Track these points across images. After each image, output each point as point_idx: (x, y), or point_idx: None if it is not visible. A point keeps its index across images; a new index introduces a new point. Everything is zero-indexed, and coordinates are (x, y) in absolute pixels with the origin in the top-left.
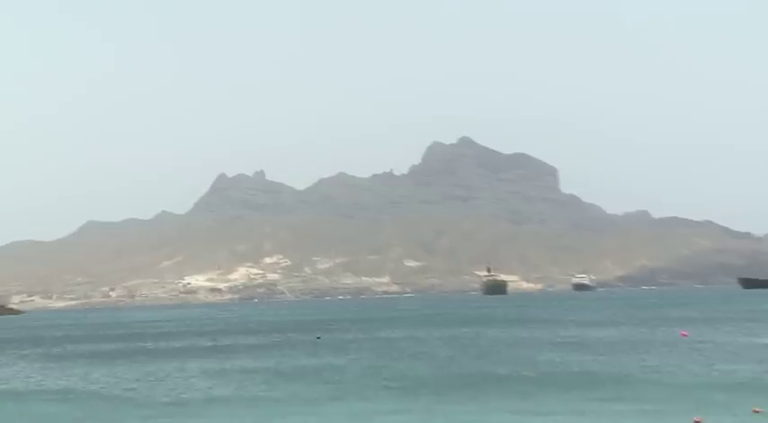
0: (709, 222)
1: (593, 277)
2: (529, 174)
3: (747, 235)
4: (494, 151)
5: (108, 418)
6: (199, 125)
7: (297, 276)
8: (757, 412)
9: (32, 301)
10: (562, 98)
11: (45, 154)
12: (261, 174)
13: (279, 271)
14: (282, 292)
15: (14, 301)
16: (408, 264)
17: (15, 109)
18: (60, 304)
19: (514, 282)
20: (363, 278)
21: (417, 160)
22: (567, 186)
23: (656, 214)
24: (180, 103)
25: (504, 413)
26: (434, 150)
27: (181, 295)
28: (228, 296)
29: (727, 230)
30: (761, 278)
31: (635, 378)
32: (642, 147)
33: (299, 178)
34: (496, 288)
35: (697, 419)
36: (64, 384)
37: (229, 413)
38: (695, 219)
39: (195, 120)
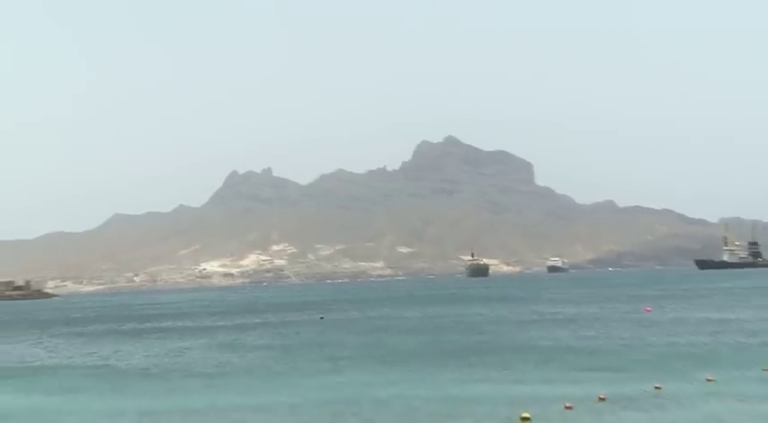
0: (668, 210)
1: (566, 260)
2: (507, 169)
3: (702, 221)
4: (476, 148)
5: (133, 389)
6: (212, 125)
7: (301, 262)
8: (710, 381)
9: (65, 285)
10: (538, 98)
11: (74, 152)
12: (268, 171)
13: (285, 257)
14: (288, 277)
15: (49, 286)
16: (400, 250)
17: (44, 108)
18: (90, 288)
19: (495, 265)
20: (360, 263)
21: (408, 157)
22: (541, 179)
23: (620, 204)
24: (191, 105)
25: (487, 382)
26: (423, 148)
27: (197, 280)
28: (240, 280)
29: (683, 217)
30: (714, 260)
31: (603, 349)
32: (609, 141)
33: (303, 174)
34: (479, 271)
35: (657, 385)
36: (94, 360)
37: (242, 384)
38: (656, 207)
39: (209, 120)
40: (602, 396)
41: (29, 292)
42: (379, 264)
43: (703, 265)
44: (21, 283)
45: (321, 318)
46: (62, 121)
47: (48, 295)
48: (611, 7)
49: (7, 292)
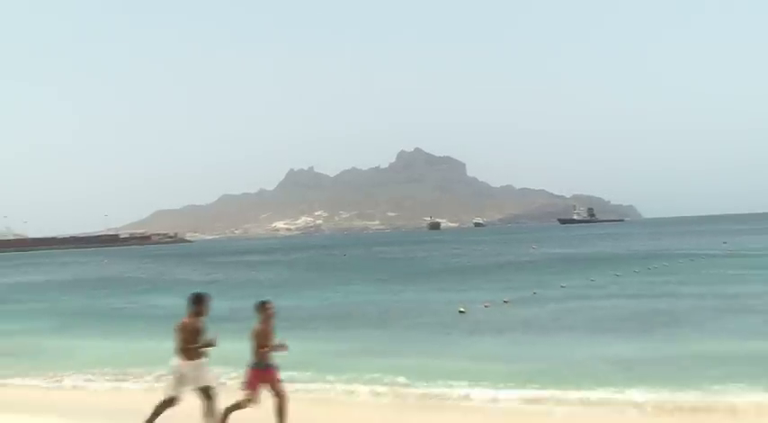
0: (543, 190)
1: (484, 220)
2: (450, 167)
3: (561, 196)
4: (431, 154)
5: (234, 294)
6: (269, 132)
7: (331, 222)
8: (563, 287)
9: (196, 235)
10: (469, 116)
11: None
12: (312, 168)
13: (321, 219)
14: (323, 230)
15: (187, 236)
16: (389, 214)
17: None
18: (210, 237)
19: (444, 223)
20: (365, 222)
21: (393, 160)
22: (470, 172)
23: (516, 186)
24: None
25: (437, 291)
26: (402, 155)
27: (271, 232)
28: (296, 232)
29: (551, 194)
30: (568, 218)
31: (504, 270)
32: (510, 141)
33: (331, 169)
34: (435, 226)
35: (534, 291)
36: (211, 277)
37: (298, 288)
38: (535, 188)
39: (266, 126)
40: (506, 299)
41: (177, 239)
42: (376, 222)
43: (563, 221)
44: (171, 234)
45: (344, 255)
46: (112, 128)
47: (188, 241)
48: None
49: (166, 240)
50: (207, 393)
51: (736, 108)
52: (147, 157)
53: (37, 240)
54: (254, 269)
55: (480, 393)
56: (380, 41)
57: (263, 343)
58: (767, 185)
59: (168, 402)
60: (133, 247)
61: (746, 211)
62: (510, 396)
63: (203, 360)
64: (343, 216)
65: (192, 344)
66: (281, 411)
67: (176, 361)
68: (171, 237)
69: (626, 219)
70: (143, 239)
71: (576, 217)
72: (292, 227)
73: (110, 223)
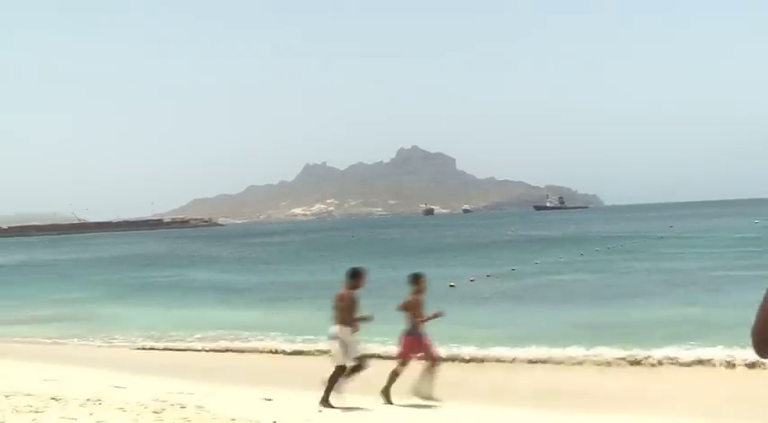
0: (521, 181)
1: (471, 207)
2: (443, 162)
3: (537, 187)
4: (426, 151)
5: (260, 268)
6: (285, 127)
7: (341, 209)
8: (537, 264)
9: (227, 218)
10: (459, 113)
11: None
12: (324, 162)
13: (332, 206)
14: (335, 216)
15: (220, 220)
16: (390, 202)
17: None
18: (239, 221)
19: (437, 209)
20: (370, 208)
21: (393, 155)
22: (459, 166)
23: (498, 178)
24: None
25: (430, 266)
26: (401, 152)
27: (290, 217)
28: (311, 217)
29: (528, 185)
30: (543, 205)
31: (490, 247)
32: (492, 135)
33: (342, 163)
34: (429, 212)
35: (513, 268)
36: (238, 255)
37: (299, 261)
38: (514, 179)
39: (283, 123)
40: (488, 274)
41: (211, 223)
42: (379, 209)
43: (538, 208)
44: (206, 218)
45: (352, 236)
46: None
47: (221, 225)
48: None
49: (202, 223)
50: (360, 365)
51: (693, 100)
52: (185, 151)
53: (96, 224)
54: (276, 247)
55: (468, 350)
56: (381, 53)
57: (417, 313)
58: (718, 174)
59: (339, 372)
60: (174, 229)
61: (697, 199)
62: (495, 353)
63: (358, 332)
64: (351, 203)
65: (352, 315)
66: (428, 375)
67: (338, 330)
68: (206, 221)
69: (590, 206)
70: (183, 223)
71: (548, 204)
72: (308, 213)
73: (155, 209)
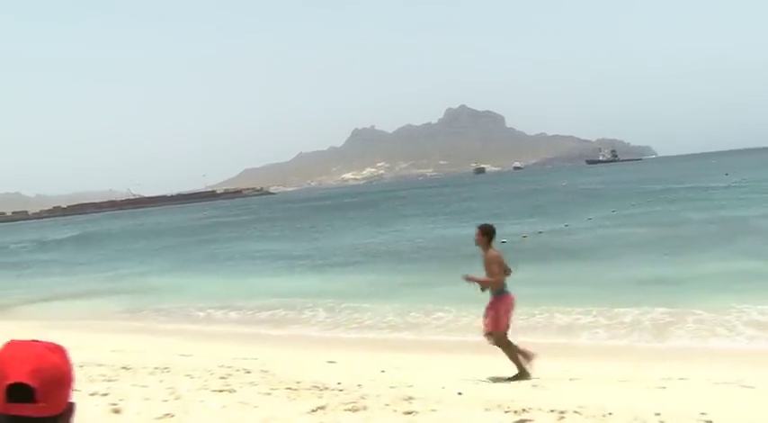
0: (572, 136)
1: (522, 164)
2: (491, 119)
3: (588, 141)
4: (474, 110)
5: (314, 236)
6: (336, 93)
7: (391, 172)
8: (590, 219)
9: (278, 187)
10: (508, 73)
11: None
12: (373, 126)
13: (383, 170)
14: (385, 179)
15: (271, 189)
16: (440, 162)
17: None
18: (290, 189)
19: (488, 167)
20: (421, 170)
21: (441, 116)
22: (509, 123)
23: (549, 133)
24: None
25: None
26: (450, 111)
27: (341, 182)
28: (362, 182)
29: (579, 139)
30: (595, 159)
31: (538, 206)
32: (542, 90)
33: (390, 125)
34: (480, 170)
35: (566, 224)
36: (292, 223)
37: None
38: (565, 134)
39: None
40: (541, 231)
41: (263, 192)
42: (430, 170)
43: (590, 162)
44: (258, 188)
45: (403, 196)
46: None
47: (272, 193)
48: None
49: (254, 193)
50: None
51: (746, 43)
52: (234, 122)
53: (151, 199)
54: (327, 213)
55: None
56: (426, 15)
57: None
58: None
59: (505, 334)
60: (227, 200)
61: (754, 146)
62: (556, 318)
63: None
64: (402, 166)
65: (499, 274)
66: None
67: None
68: (258, 190)
69: (644, 157)
70: (235, 194)
71: (601, 158)
72: (359, 177)
73: (208, 181)
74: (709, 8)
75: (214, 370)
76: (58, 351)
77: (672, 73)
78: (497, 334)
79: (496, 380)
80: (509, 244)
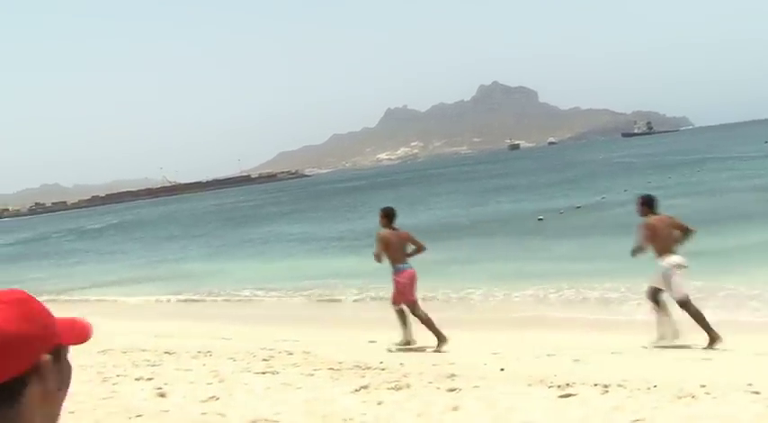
0: (606, 109)
1: (557, 138)
2: (524, 95)
3: (623, 114)
4: (507, 86)
5: (348, 217)
6: (369, 75)
7: (425, 151)
8: (626, 190)
9: (313, 169)
10: (541, 50)
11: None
12: (405, 106)
13: (417, 149)
14: (420, 158)
15: (306, 172)
16: (473, 139)
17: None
18: (324, 171)
19: (522, 143)
20: (455, 148)
21: (473, 93)
22: (542, 98)
23: (583, 107)
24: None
25: (515, 202)
26: (482, 88)
27: (375, 163)
28: (396, 161)
29: (614, 112)
30: (631, 132)
31: (574, 180)
32: (576, 67)
33: (423, 104)
34: (514, 147)
35: (603, 196)
36: (327, 203)
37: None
38: (599, 108)
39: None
40: (578, 205)
41: (298, 175)
42: (464, 148)
43: (625, 135)
44: (293, 170)
45: (441, 175)
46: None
47: (307, 176)
48: None
49: (289, 176)
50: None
51: None
52: (267, 106)
53: (187, 185)
54: (362, 193)
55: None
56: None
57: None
58: None
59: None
60: (262, 184)
61: None
62: (594, 292)
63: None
64: (436, 144)
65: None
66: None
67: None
68: (293, 173)
69: (680, 128)
70: (270, 177)
71: (636, 131)
72: (393, 157)
73: (243, 166)
74: None
75: (256, 352)
76: (8, 305)
77: (708, 42)
78: (410, 306)
79: (538, 356)
80: (547, 220)
